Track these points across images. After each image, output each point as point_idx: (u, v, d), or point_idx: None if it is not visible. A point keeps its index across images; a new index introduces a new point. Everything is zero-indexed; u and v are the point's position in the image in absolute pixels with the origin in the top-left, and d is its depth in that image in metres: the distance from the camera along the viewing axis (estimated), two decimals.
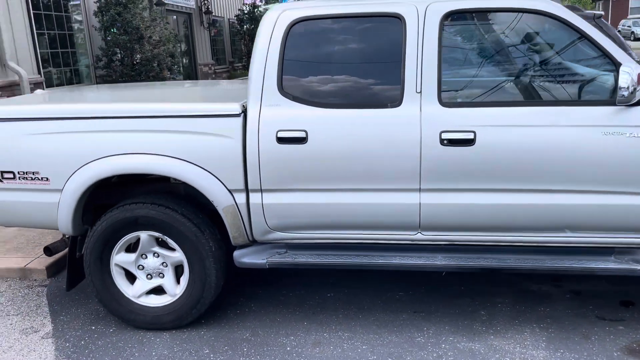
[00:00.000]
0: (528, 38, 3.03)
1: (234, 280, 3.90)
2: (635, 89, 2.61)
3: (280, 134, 3.03)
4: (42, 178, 3.25)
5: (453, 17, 3.01)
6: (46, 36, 9.34)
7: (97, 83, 10.41)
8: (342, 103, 3.06)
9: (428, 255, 3.18)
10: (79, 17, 10.26)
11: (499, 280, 3.79)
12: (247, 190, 3.14)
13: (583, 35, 2.88)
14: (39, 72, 8.93)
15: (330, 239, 3.24)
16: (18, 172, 3.27)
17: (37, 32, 8.91)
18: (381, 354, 3.05)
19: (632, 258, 3.03)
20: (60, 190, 3.24)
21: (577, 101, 2.91)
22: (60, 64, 9.77)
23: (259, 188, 3.12)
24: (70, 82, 10.06)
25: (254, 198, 3.14)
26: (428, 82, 2.96)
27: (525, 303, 3.52)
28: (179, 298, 3.34)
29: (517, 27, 3.02)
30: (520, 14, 2.96)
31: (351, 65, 3.11)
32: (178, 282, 3.36)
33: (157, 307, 3.37)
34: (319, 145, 3.02)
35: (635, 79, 2.60)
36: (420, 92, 2.97)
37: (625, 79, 2.60)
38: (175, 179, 3.21)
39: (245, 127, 3.07)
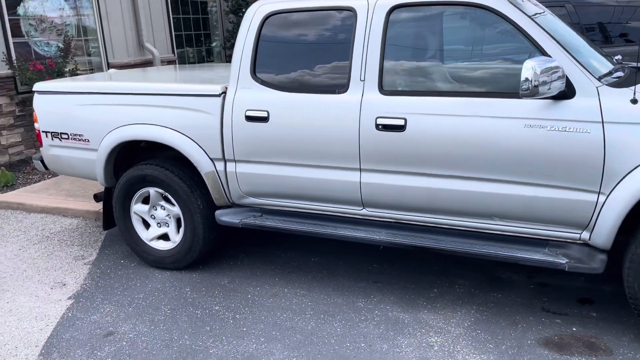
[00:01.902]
0: (463, 31, 3.13)
1: (240, 237, 4.53)
2: (538, 83, 2.64)
3: (248, 113, 3.54)
4: (85, 139, 4.15)
5: (399, 10, 3.22)
6: (181, 19, 10.71)
7: (226, 62, 11.66)
8: (299, 88, 3.46)
9: (373, 230, 3.47)
10: (213, 3, 11.53)
11: (476, 266, 3.89)
12: (224, 159, 3.70)
13: (517, 29, 2.93)
14: (173, 52, 10.32)
15: (293, 208, 3.69)
16: (70, 134, 4.21)
17: (173, 17, 10.29)
18: (318, 310, 3.45)
19: (564, 252, 3.03)
20: (96, 150, 4.11)
21: (501, 93, 2.96)
22: (194, 45, 11.13)
23: (233, 158, 3.67)
24: (202, 61, 11.41)
25: (230, 167, 3.70)
26: (371, 70, 3.24)
27: (483, 288, 3.62)
28: (177, 245, 4.05)
29: (455, 20, 3.13)
30: (460, 7, 3.08)
31: (310, 54, 3.48)
32: (178, 232, 4.07)
33: (162, 251, 4.12)
34: (277, 125, 3.47)
35: (539, 73, 2.63)
36: (364, 80, 3.26)
37: (526, 73, 2.64)
38: (170, 146, 3.88)
39: (224, 106, 3.62)
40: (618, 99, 2.73)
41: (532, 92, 2.66)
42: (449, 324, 3.23)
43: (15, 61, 7.36)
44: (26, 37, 7.87)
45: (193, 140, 3.73)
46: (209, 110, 3.65)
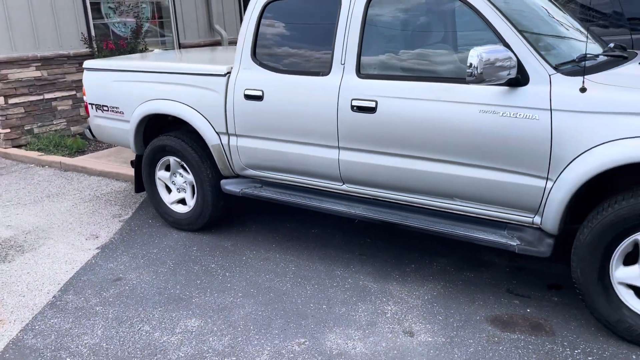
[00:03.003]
0: (433, 18, 3.26)
1: (253, 207, 4.93)
2: (483, 70, 2.75)
3: (246, 92, 3.88)
4: (120, 111, 4.71)
5: None
6: None
7: None
8: (289, 69, 3.75)
9: (352, 205, 3.72)
10: None
11: (462, 246, 4.01)
12: (227, 133, 4.09)
13: (480, 16, 3.03)
14: None
15: (286, 181, 4.01)
16: (109, 106, 4.78)
17: (243, 1, 10.82)
18: (298, 275, 3.77)
19: (519, 235, 3.13)
20: (129, 122, 4.65)
21: (462, 79, 3.08)
22: None
23: (235, 133, 4.04)
24: None
25: (232, 140, 4.08)
26: (350, 54, 3.46)
27: (459, 267, 3.76)
28: (191, 209, 4.52)
29: (426, 7, 3.27)
30: None
31: (301, 38, 3.75)
32: (193, 197, 4.53)
33: (180, 213, 4.61)
34: (270, 103, 3.79)
35: (484, 60, 2.74)
36: (344, 63, 3.49)
37: (472, 60, 2.75)
38: (183, 120, 4.32)
39: (228, 85, 4.00)
40: (568, 87, 2.78)
41: (478, 79, 2.77)
42: (410, 296, 3.43)
43: (94, 41, 8.19)
44: (106, 19, 8.70)
45: (202, 115, 4.15)
46: (215, 89, 4.04)
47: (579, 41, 3.41)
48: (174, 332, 3.18)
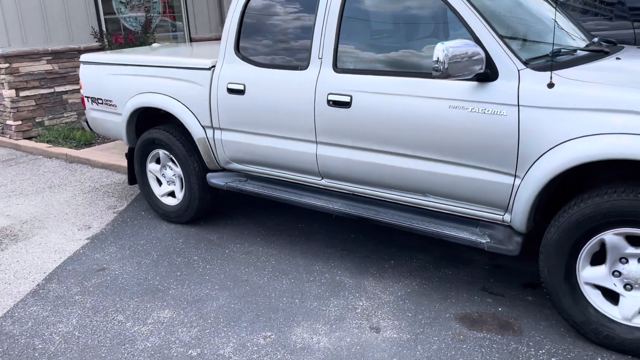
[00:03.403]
0: (409, 13, 3.21)
1: (245, 201, 4.96)
2: (449, 65, 2.71)
3: (229, 86, 3.90)
4: (113, 104, 4.78)
5: None
6: None
7: None
8: (270, 64, 3.75)
9: (331, 200, 3.72)
10: None
11: (445, 244, 3.95)
12: (212, 127, 4.12)
13: (453, 11, 2.99)
14: None
15: (269, 175, 4.02)
16: (103, 99, 4.86)
17: None
18: (277, 269, 3.78)
19: (490, 233, 3.09)
20: (121, 114, 4.72)
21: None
22: None
23: (219, 126, 4.07)
24: None
25: (217, 134, 4.11)
26: (327, 49, 3.45)
27: (438, 264, 3.72)
28: (180, 202, 4.57)
29: (402, 3, 3.23)
30: None
31: (282, 32, 3.74)
32: (182, 190, 4.58)
33: (169, 206, 4.66)
34: (251, 97, 3.80)
35: (451, 55, 2.70)
36: (322, 58, 3.48)
37: (437, 54, 2.71)
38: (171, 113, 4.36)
39: (212, 79, 4.02)
40: (536, 83, 2.73)
41: (444, 74, 2.73)
42: (384, 292, 3.41)
43: (105, 36, 8.32)
44: (117, 14, 8.82)
45: (188, 108, 4.18)
46: (200, 82, 4.07)
47: (569, 36, 3.35)
48: (146, 323, 3.23)
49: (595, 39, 3.53)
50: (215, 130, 4.10)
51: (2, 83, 7.67)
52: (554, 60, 2.93)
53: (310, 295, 3.42)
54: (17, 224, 4.87)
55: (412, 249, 3.95)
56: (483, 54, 2.78)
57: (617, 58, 3.05)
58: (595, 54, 3.14)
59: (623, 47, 3.55)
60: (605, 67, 2.89)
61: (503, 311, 3.14)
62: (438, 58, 2.72)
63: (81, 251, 4.24)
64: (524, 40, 3.12)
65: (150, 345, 3.01)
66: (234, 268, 3.83)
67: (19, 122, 7.82)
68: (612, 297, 2.71)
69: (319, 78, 3.47)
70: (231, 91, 3.89)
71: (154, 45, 5.89)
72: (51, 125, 8.07)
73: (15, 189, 5.84)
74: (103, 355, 2.95)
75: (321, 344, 2.94)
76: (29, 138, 7.88)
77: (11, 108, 7.74)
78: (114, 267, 3.95)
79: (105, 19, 8.59)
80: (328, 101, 3.41)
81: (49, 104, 8.08)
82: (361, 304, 3.30)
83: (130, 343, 3.04)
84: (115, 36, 8.29)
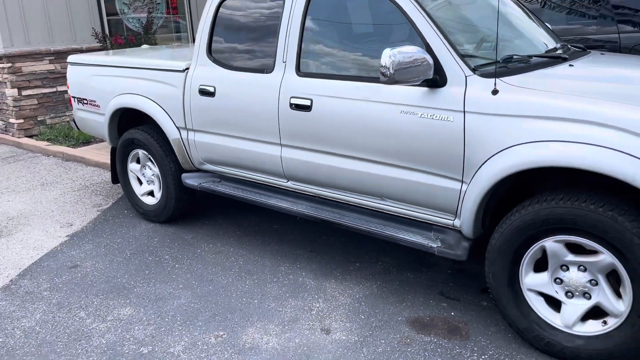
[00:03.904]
0: (366, 19, 3.24)
1: (228, 200, 5.03)
2: (395, 71, 2.72)
3: (201, 87, 3.97)
4: (97, 104, 4.88)
5: None
6: None
7: None
8: (239, 66, 3.80)
9: (297, 202, 3.76)
10: None
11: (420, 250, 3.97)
12: (186, 128, 4.18)
13: (406, 18, 3.00)
14: None
15: (241, 176, 4.07)
16: (88, 99, 4.96)
17: None
18: (244, 269, 3.83)
19: (442, 237, 3.10)
20: (104, 114, 4.82)
21: None
22: None
23: (192, 128, 4.13)
24: None
25: (190, 135, 4.18)
26: (291, 53, 3.49)
27: (403, 267, 3.73)
28: (158, 201, 4.65)
29: (360, 8, 3.26)
30: None
31: (250, 36, 3.79)
32: (160, 190, 4.66)
33: (149, 205, 4.75)
34: (221, 99, 3.86)
35: (396, 61, 2.71)
36: (285, 62, 3.52)
37: (384, 60, 2.73)
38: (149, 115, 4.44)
39: (186, 80, 4.09)
40: (481, 89, 2.73)
41: (391, 79, 2.75)
42: (343, 294, 3.44)
43: (107, 37, 8.47)
44: (120, 15, 8.98)
45: (164, 109, 4.26)
46: (175, 84, 4.14)
47: (534, 41, 3.35)
48: (105, 320, 3.30)
49: (559, 44, 3.51)
50: (189, 132, 4.17)
51: (5, 82, 7.86)
52: (507, 67, 2.93)
53: (270, 296, 3.47)
54: (3, 220, 5.00)
55: (379, 252, 3.96)
56: (431, 61, 2.79)
57: (570, 65, 3.03)
58: (550, 60, 3.13)
59: (588, 53, 3.52)
60: (554, 74, 2.88)
61: (455, 315, 3.15)
62: (385, 64, 2.74)
63: (58, 248, 4.35)
64: (480, 46, 3.12)
65: (105, 341, 3.08)
66: (202, 268, 3.89)
67: (21, 121, 8.01)
68: (555, 304, 2.71)
69: (283, 81, 3.51)
70: (202, 93, 3.95)
71: (143, 46, 5.99)
72: (53, 124, 8.25)
73: (9, 186, 5.99)
74: (58, 350, 3.03)
75: (270, 344, 2.98)
76: (31, 136, 8.06)
77: (13, 107, 7.93)
78: (87, 264, 4.04)
79: (109, 20, 8.76)
80: (291, 104, 3.45)
81: (51, 103, 8.25)
82: (318, 305, 3.33)
83: (86, 339, 3.11)
84: (115, 37, 8.43)
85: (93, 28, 8.37)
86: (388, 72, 2.74)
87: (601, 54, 3.52)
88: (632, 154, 2.29)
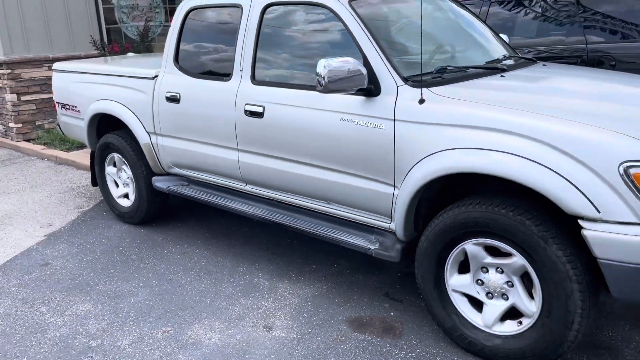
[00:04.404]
0: (313, 29, 3.39)
1: (204, 206, 5.20)
2: (329, 80, 2.86)
3: (167, 94, 4.14)
4: (77, 110, 5.09)
5: (271, 8, 3.57)
6: None
7: None
8: (201, 74, 3.97)
9: (255, 205, 3.90)
10: None
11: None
12: (155, 133, 4.36)
13: (347, 30, 3.14)
14: None
15: (205, 180, 4.23)
16: (70, 105, 5.17)
17: None
18: (204, 269, 3.98)
19: (382, 240, 3.21)
20: (83, 119, 5.02)
21: None
22: None
23: (160, 133, 4.31)
24: None
25: (159, 140, 4.35)
26: (247, 62, 3.65)
27: (357, 270, 3.85)
28: (132, 203, 4.83)
29: (308, 18, 3.40)
30: (311, 6, 3.36)
31: (213, 45, 3.96)
32: (134, 192, 4.84)
33: (124, 207, 4.93)
34: (185, 105, 4.03)
35: (330, 70, 2.84)
36: (242, 70, 3.68)
37: (318, 70, 2.87)
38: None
39: (155, 87, 4.27)
40: (410, 99, 2.85)
41: (326, 88, 2.89)
42: (292, 295, 3.57)
43: (105, 45, 8.73)
44: (119, 23, 9.24)
45: (136, 115, 4.44)
46: (145, 90, 4.33)
47: (480, 50, 3.47)
48: (64, 314, 3.47)
49: (504, 55, 3.62)
50: (158, 136, 4.35)
51: (5, 88, 8.14)
52: (442, 77, 3.05)
53: (222, 295, 3.61)
54: None
55: (337, 255, 4.09)
56: (364, 71, 2.92)
57: (502, 76, 3.15)
58: (486, 71, 3.24)
59: (533, 64, 3.62)
60: (483, 85, 2.99)
61: (394, 316, 3.26)
62: (319, 73, 2.88)
63: (34, 247, 4.54)
64: (432, 57, 3.24)
65: (58, 334, 3.25)
66: (165, 267, 4.05)
67: (20, 125, 8.28)
68: (478, 304, 2.81)
69: (239, 89, 3.66)
70: (169, 99, 4.12)
71: (129, 54, 6.20)
72: (50, 129, 8.50)
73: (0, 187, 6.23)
74: (14, 342, 3.20)
75: (212, 340, 3.12)
76: (29, 140, 8.33)
77: (12, 111, 8.20)
78: (57, 262, 4.22)
79: (109, 28, 9.03)
80: (245, 111, 3.60)
81: (49, 108, 8.51)
82: (266, 304, 3.47)
83: (42, 332, 3.28)
84: (111, 45, 8.68)
85: (91, 36, 8.63)
86: (323, 82, 2.88)
87: (543, 64, 3.62)
88: (538, 162, 2.39)
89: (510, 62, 3.55)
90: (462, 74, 3.14)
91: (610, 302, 3.27)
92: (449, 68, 3.12)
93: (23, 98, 8.24)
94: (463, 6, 4.07)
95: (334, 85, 2.87)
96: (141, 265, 4.11)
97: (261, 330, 3.19)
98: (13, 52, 8.06)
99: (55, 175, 6.64)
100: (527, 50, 5.27)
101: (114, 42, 8.93)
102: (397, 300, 3.44)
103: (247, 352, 3.00)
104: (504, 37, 4.16)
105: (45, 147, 7.79)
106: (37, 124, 8.44)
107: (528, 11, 5.47)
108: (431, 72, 3.07)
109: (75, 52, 8.59)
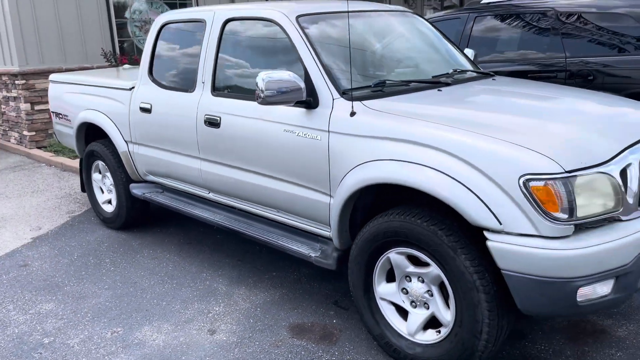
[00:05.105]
0: (263, 45, 3.52)
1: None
2: (266, 93, 2.97)
3: (141, 105, 4.33)
4: (68, 119, 5.33)
5: (230, 23, 3.72)
6: None
7: None
8: (170, 86, 4.14)
9: (216, 212, 4.03)
10: None
11: None
12: (131, 141, 4.54)
13: (293, 46, 3.26)
14: None
15: (175, 187, 4.38)
16: (62, 114, 5.42)
17: None
18: (168, 274, 4.12)
19: (324, 248, 3.29)
20: (73, 128, 5.26)
21: None
22: None
23: (135, 141, 4.49)
24: None
25: (134, 148, 4.53)
26: (208, 75, 3.80)
27: (315, 278, 3.93)
28: (113, 209, 5.02)
29: (260, 36, 3.54)
30: (263, 21, 3.49)
31: (181, 58, 4.13)
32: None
33: (107, 212, 5.13)
34: (155, 115, 4.20)
35: (267, 84, 2.96)
36: (204, 82, 3.83)
37: (258, 82, 2.98)
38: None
39: (131, 98, 4.46)
40: (343, 111, 2.94)
41: (264, 101, 3.00)
42: (246, 300, 3.67)
43: (116, 57, 9.08)
44: (132, 37, 9.59)
45: (115, 124, 4.64)
46: (123, 101, 4.52)
47: (431, 65, 3.55)
48: (27, 312, 3.65)
49: (458, 68, 3.67)
50: (134, 145, 4.53)
51: (19, 97, 8.53)
52: (382, 90, 3.13)
53: (179, 299, 3.74)
54: None
55: (301, 264, 4.17)
56: (302, 85, 3.02)
57: (439, 90, 3.20)
58: (430, 84, 3.29)
59: (484, 78, 3.64)
60: (416, 98, 3.04)
61: (336, 323, 3.32)
62: (258, 85, 3.00)
63: (19, 249, 4.77)
64: (364, 71, 3.33)
65: (17, 331, 3.42)
66: (133, 271, 4.21)
67: (33, 133, 8.65)
68: (406, 313, 2.85)
69: (201, 100, 3.81)
70: (142, 110, 4.30)
71: (125, 66, 6.45)
72: None
73: (3, 192, 6.53)
74: None
75: (156, 341, 3.24)
76: (41, 147, 8.69)
77: (26, 120, 8.58)
78: (35, 264, 4.43)
79: (123, 40, 9.38)
80: (205, 121, 3.74)
81: None
82: (217, 309, 3.58)
83: (2, 328, 3.46)
84: (121, 57, 9.01)
85: (102, 48, 8.98)
86: (262, 94, 3.00)
87: (493, 79, 3.64)
88: (446, 173, 2.45)
89: (462, 76, 3.60)
90: (403, 88, 3.20)
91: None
92: (387, 82, 3.19)
93: (36, 107, 8.61)
94: (431, 24, 4.14)
95: (271, 98, 2.98)
96: (112, 268, 4.28)
97: (205, 333, 3.30)
98: (28, 63, 8.44)
99: (58, 182, 6.92)
100: (507, 65, 5.29)
101: (124, 54, 9.25)
102: (344, 308, 3.50)
103: (185, 353, 3.11)
104: (469, 51, 4.21)
105: (54, 155, 8.11)
106: (49, 132, 8.78)
107: (512, 26, 5.49)
108: (369, 86, 3.15)
109: (87, 63, 8.94)
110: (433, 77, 3.47)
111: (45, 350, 3.21)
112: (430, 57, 3.73)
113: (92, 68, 8.86)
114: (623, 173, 2.38)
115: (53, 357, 3.13)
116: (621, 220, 2.38)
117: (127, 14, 9.50)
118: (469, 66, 3.86)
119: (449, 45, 4.00)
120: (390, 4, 14.65)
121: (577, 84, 4.86)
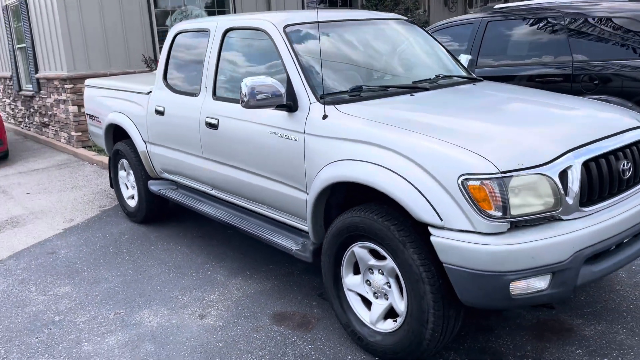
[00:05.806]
0: (254, 53, 3.79)
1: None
2: (249, 97, 3.23)
3: (156, 108, 4.69)
4: (99, 120, 5.79)
5: (230, 32, 4.01)
6: None
7: None
8: (180, 90, 4.47)
9: (219, 208, 4.33)
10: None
11: None
12: (149, 141, 4.92)
13: (278, 53, 3.51)
14: None
15: (185, 183, 4.72)
16: (95, 116, 5.89)
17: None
18: (176, 264, 4.45)
19: (305, 242, 3.51)
20: (103, 129, 5.71)
21: None
22: None
23: (152, 141, 4.86)
24: None
25: (151, 147, 4.91)
26: (210, 80, 4.11)
27: (305, 271, 4.16)
28: (135, 204, 5.43)
29: (252, 45, 3.81)
30: (255, 31, 3.76)
31: (190, 64, 4.45)
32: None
33: (131, 207, 5.54)
34: (167, 117, 4.55)
35: (250, 89, 3.21)
36: (206, 87, 4.14)
37: (242, 87, 3.24)
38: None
39: (148, 101, 4.84)
40: (318, 115, 3.16)
41: (247, 104, 3.26)
42: (239, 290, 3.94)
43: (154, 62, 9.61)
44: None
45: (135, 126, 5.03)
46: (142, 104, 4.91)
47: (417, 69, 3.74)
48: (46, 294, 4.06)
49: (442, 74, 3.81)
50: (150, 145, 4.90)
51: (68, 100, 9.19)
52: (360, 95, 3.33)
53: (179, 287, 4.05)
54: (26, 214, 6.03)
55: (296, 258, 4.38)
56: (282, 90, 3.26)
57: (411, 95, 3.36)
58: (407, 89, 3.45)
59: (467, 84, 3.75)
60: (388, 103, 3.21)
61: (316, 313, 3.54)
62: (241, 90, 3.27)
63: (50, 238, 5.23)
64: (346, 77, 3.54)
65: (34, 309, 3.83)
66: (145, 260, 4.57)
67: (80, 133, 9.28)
68: (370, 304, 3.04)
69: (203, 104, 4.12)
70: (157, 112, 4.67)
71: (155, 71, 6.87)
72: None
73: (48, 187, 7.10)
74: (0, 313, 3.82)
75: (151, 323, 3.56)
76: (86, 147, 9.31)
77: (74, 121, 9.22)
78: (62, 252, 4.87)
79: (160, 47, 9.90)
80: (206, 123, 4.05)
81: None
82: (211, 297, 3.86)
83: (22, 306, 3.88)
84: (156, 62, 9.51)
85: (143, 55, 9.52)
86: (245, 98, 3.26)
87: (474, 84, 3.76)
88: (395, 171, 2.63)
89: (446, 81, 3.74)
90: (380, 93, 3.39)
91: (523, 313, 3.36)
92: (364, 87, 3.39)
93: (83, 110, 9.22)
94: (425, 31, 4.30)
95: (253, 102, 3.24)
96: (127, 257, 4.66)
97: (195, 317, 3.59)
98: (76, 68, 9.08)
99: (96, 179, 7.44)
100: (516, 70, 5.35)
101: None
102: (327, 300, 3.71)
103: (174, 334, 3.41)
104: (465, 57, 4.32)
105: (96, 154, 8.69)
106: None
107: (522, 32, 5.54)
108: (346, 92, 3.36)
109: (130, 68, 9.51)
110: (414, 82, 3.63)
111: (55, 327, 3.58)
112: (417, 63, 3.90)
113: (134, 72, 9.43)
114: (564, 174, 2.50)
115: (60, 333, 3.51)
116: (562, 220, 2.50)
117: (168, 22, 10.02)
118: (457, 71, 4.00)
119: (441, 52, 4.14)
120: (427, 6, 14.69)
121: (583, 88, 4.90)
